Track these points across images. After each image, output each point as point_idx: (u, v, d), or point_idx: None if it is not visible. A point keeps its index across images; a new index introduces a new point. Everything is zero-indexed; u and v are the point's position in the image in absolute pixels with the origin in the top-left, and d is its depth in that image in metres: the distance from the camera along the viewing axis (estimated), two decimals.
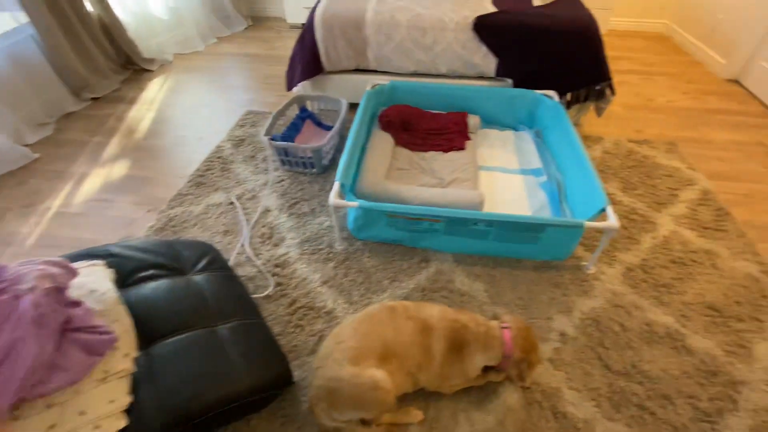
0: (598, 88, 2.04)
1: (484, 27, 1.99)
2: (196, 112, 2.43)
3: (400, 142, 1.99)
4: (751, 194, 1.85)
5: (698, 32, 3.08)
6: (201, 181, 1.88)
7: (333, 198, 1.39)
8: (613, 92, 2.06)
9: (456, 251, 1.55)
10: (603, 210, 1.37)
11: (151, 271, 1.15)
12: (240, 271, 1.47)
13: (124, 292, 1.07)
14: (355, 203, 1.38)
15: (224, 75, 2.85)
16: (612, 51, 3.17)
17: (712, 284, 1.44)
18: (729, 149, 2.13)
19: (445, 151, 1.96)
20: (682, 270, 1.49)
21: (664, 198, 1.80)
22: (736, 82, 2.76)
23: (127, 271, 1.13)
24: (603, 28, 3.19)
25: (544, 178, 1.85)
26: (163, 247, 1.25)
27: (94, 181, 1.93)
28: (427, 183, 1.78)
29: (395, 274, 1.46)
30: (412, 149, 1.98)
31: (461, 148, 1.95)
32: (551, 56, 2.00)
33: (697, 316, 1.34)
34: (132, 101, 2.56)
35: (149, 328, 1.00)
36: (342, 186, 1.46)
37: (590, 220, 1.38)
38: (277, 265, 1.49)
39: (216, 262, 1.28)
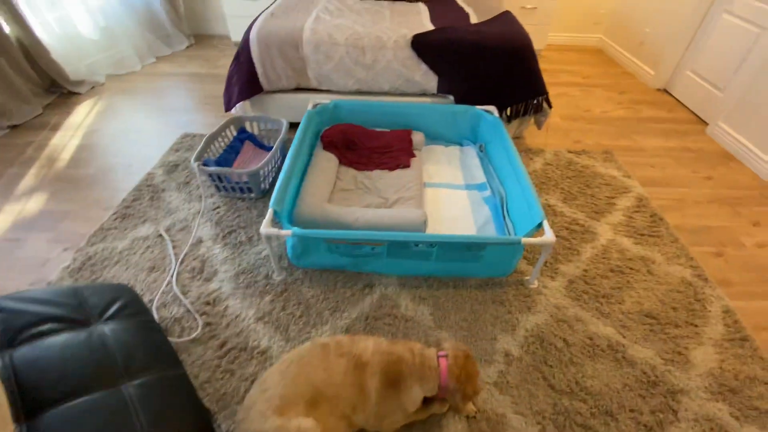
0: (535, 102, 2.09)
1: (421, 45, 2.00)
2: (127, 137, 2.27)
3: (344, 161, 1.94)
4: (682, 199, 1.94)
5: (629, 45, 3.28)
6: (127, 212, 1.73)
7: (264, 227, 1.31)
8: (550, 105, 2.12)
9: (400, 274, 1.50)
10: (540, 225, 1.37)
11: (47, 326, 1.01)
12: (165, 313, 1.35)
13: (8, 353, 0.92)
14: (289, 231, 1.30)
15: (161, 96, 2.70)
16: (551, 65, 3.31)
17: (649, 291, 1.47)
18: (660, 156, 2.24)
19: (391, 169, 1.92)
20: (620, 278, 1.51)
21: (602, 207, 1.84)
22: (665, 91, 2.94)
23: (17, 328, 0.98)
24: (541, 43, 3.34)
25: (487, 193, 1.86)
26: (67, 295, 1.11)
27: (4, 218, 1.74)
28: (372, 203, 1.73)
29: (337, 304, 1.39)
30: (357, 168, 1.93)
31: (407, 165, 1.92)
32: (488, 73, 2.03)
33: (636, 326, 1.35)
34: (55, 127, 2.36)
35: (37, 394, 0.87)
36: (275, 213, 1.37)
37: (528, 235, 1.37)
38: (207, 303, 1.38)
39: (130, 307, 1.15)
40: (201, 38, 3.67)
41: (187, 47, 3.48)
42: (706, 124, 2.54)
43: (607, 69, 3.27)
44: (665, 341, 1.31)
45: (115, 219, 1.70)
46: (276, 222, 1.37)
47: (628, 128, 2.48)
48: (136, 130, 2.33)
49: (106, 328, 1.05)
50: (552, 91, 2.88)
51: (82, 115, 2.48)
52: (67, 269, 1.48)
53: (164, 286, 1.43)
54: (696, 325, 1.36)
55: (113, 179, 1.95)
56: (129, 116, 2.47)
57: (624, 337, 1.32)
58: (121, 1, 3.00)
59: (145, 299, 1.39)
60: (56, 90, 2.70)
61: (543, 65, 3.28)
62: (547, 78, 3.06)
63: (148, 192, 1.85)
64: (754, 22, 2.23)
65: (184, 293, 1.41)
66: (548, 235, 1.31)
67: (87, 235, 1.63)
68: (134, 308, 1.16)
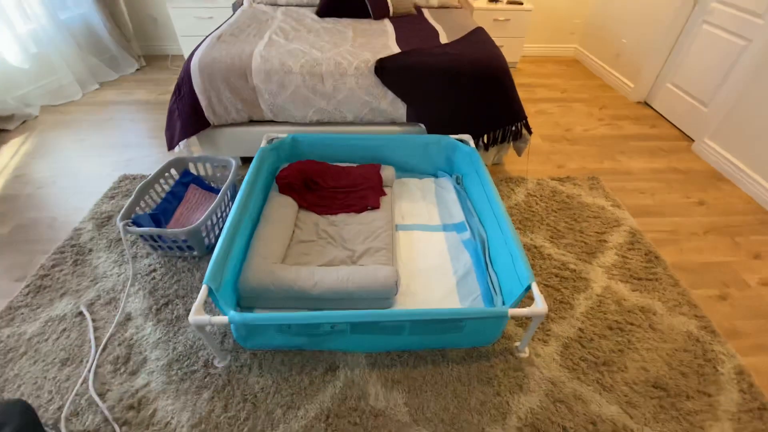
0: (513, 128, 1.91)
1: (385, 71, 1.79)
2: (56, 183, 1.97)
3: (304, 205, 1.71)
4: (676, 230, 1.78)
5: (605, 57, 3.16)
6: (43, 284, 1.45)
7: (194, 314, 1.06)
8: (529, 131, 1.94)
9: (368, 350, 1.28)
10: (529, 288, 1.17)
11: None
12: (77, 425, 1.08)
13: None
14: (224, 318, 1.06)
15: (101, 129, 2.41)
16: (527, 78, 3.16)
17: (653, 352, 1.29)
18: (648, 179, 2.09)
19: (358, 211, 1.70)
20: (620, 338, 1.32)
21: (593, 245, 1.66)
22: (646, 104, 2.82)
23: None
24: (516, 56, 3.19)
25: (467, 235, 1.65)
26: None
27: None
28: (335, 257, 1.50)
29: (292, 398, 1.15)
30: (319, 213, 1.70)
31: (375, 206, 1.70)
32: (461, 100, 1.83)
33: (643, 401, 1.16)
34: None
35: None
36: (211, 293, 1.13)
37: (515, 301, 1.17)
38: (130, 407, 1.12)
39: None
40: (152, 59, 3.38)
41: (137, 70, 3.19)
42: (691, 140, 2.41)
43: (585, 81, 3.14)
44: (678, 420, 1.12)
45: (28, 294, 1.41)
46: (209, 303, 1.13)
47: (612, 147, 2.34)
48: (68, 174, 2.04)
49: None
50: (530, 109, 2.72)
51: (6, 157, 2.17)
52: None
53: (78, 385, 1.16)
54: (709, 395, 1.18)
55: (32, 239, 1.66)
56: (61, 156, 2.17)
57: (631, 417, 1.12)
58: (56, 24, 2.69)
59: (54, 406, 1.12)
60: None
61: (519, 79, 3.13)
62: (523, 94, 2.91)
63: (72, 254, 1.57)
64: (737, 34, 2.11)
65: (103, 393, 1.15)
66: (539, 305, 1.10)
67: None
68: None
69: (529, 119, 2.58)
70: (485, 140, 1.97)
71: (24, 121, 2.50)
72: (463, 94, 1.81)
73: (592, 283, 1.50)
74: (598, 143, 2.37)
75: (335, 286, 1.30)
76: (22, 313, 1.36)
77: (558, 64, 3.45)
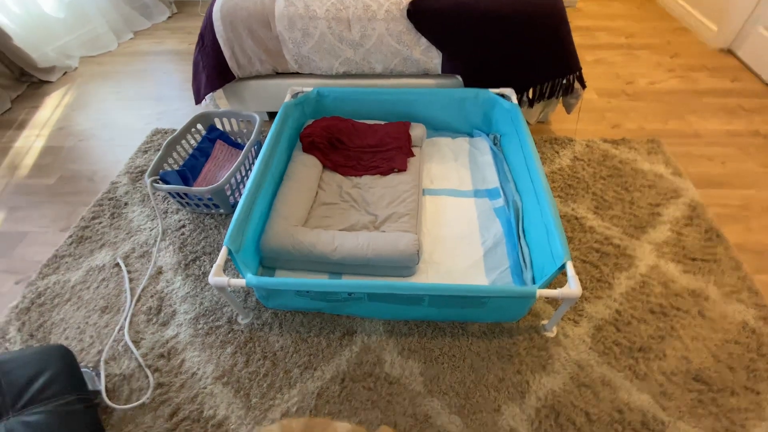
0: (564, 81, 1.68)
1: (420, 14, 1.59)
2: (95, 136, 2.03)
3: (329, 165, 1.65)
4: (747, 205, 1.55)
5: None
6: (84, 235, 1.54)
7: (214, 275, 1.07)
8: (583, 85, 1.70)
9: (387, 318, 1.26)
10: (563, 267, 1.06)
11: None
12: (114, 368, 1.17)
13: None
14: (242, 281, 1.07)
15: (136, 81, 2.42)
16: (587, 20, 2.76)
17: (699, 342, 1.17)
18: (720, 143, 1.81)
19: (384, 173, 1.62)
20: (662, 323, 1.21)
21: (644, 219, 1.49)
22: (730, 52, 2.39)
23: None
24: None
25: (500, 202, 1.54)
26: None
27: None
28: (357, 222, 1.45)
29: (309, 359, 1.17)
30: (343, 173, 1.64)
31: (402, 169, 1.61)
32: (505, 46, 1.62)
33: (680, 393, 1.07)
34: (22, 125, 2.15)
35: None
36: (231, 254, 1.13)
37: (546, 281, 1.08)
38: (161, 355, 1.19)
39: (54, 384, 0.96)
40: (184, 5, 3.29)
41: (169, 18, 3.12)
42: None
43: (658, 23, 2.70)
44: (717, 416, 1.03)
45: (71, 244, 1.51)
46: (228, 264, 1.13)
47: (681, 105, 2.03)
48: (106, 127, 2.09)
49: (16, 424, 0.87)
50: (586, 57, 2.39)
51: (50, 109, 2.25)
52: (15, 309, 1.32)
53: (116, 332, 1.25)
54: (758, 392, 1.07)
55: (75, 191, 1.75)
56: (100, 109, 2.22)
57: (664, 409, 1.05)
58: None
59: (94, 350, 1.21)
60: (26, 80, 2.46)
61: (577, 22, 2.74)
62: (580, 40, 2.55)
63: (109, 207, 1.63)
64: None
65: (138, 341, 1.23)
66: (572, 286, 1.01)
67: (40, 264, 1.46)
68: (59, 385, 0.97)
69: (583, 70, 2.28)
70: (530, 95, 1.76)
71: (65, 73, 2.56)
72: (509, 41, 1.60)
73: (638, 261, 1.36)
74: (665, 99, 2.07)
75: (355, 253, 1.26)
76: (67, 262, 1.45)
77: (627, 2, 2.97)
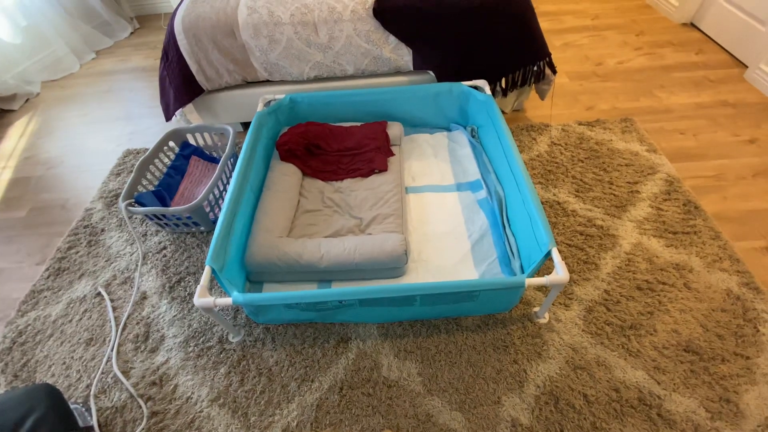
0: (535, 68, 1.70)
1: (386, 11, 1.58)
2: (64, 162, 1.97)
3: (308, 172, 1.63)
4: (721, 174, 1.59)
5: None
6: (62, 266, 1.49)
7: (199, 296, 1.05)
8: (553, 71, 1.72)
9: (380, 321, 1.25)
10: (549, 254, 1.07)
11: None
12: (105, 402, 1.14)
13: None
14: (229, 300, 1.04)
15: (102, 102, 2.35)
16: (551, 5, 2.79)
17: (687, 313, 1.19)
18: (691, 116, 1.85)
19: (364, 176, 1.61)
20: (650, 299, 1.23)
21: (623, 198, 1.52)
22: (693, 25, 2.44)
23: None
24: None
25: (483, 194, 1.54)
26: None
27: None
28: (343, 227, 1.44)
29: (306, 371, 1.15)
30: (324, 179, 1.62)
31: (383, 169, 1.60)
32: (473, 38, 1.62)
33: (673, 366, 1.10)
34: None
35: None
36: (214, 272, 1.10)
37: (533, 269, 1.08)
38: (153, 383, 1.16)
39: (43, 426, 0.93)
40: (145, 19, 3.20)
41: (131, 34, 3.04)
42: (745, 66, 2.09)
43: (620, 2, 2.74)
44: (710, 385, 1.06)
45: (48, 277, 1.45)
46: (213, 284, 1.11)
47: (650, 81, 2.06)
48: (75, 152, 2.02)
49: None
50: (555, 42, 2.42)
51: (14, 139, 2.16)
52: None
53: (104, 364, 1.21)
54: (747, 357, 1.10)
55: (48, 222, 1.68)
56: (67, 134, 2.15)
57: (659, 383, 1.06)
58: None
59: (83, 385, 1.17)
60: None
61: (542, 7, 2.76)
62: (547, 25, 2.58)
63: (86, 235, 1.58)
64: None
65: (127, 371, 1.19)
66: (559, 272, 1.01)
67: (18, 302, 1.40)
68: (48, 426, 0.94)
69: (553, 55, 2.30)
70: (503, 84, 1.77)
71: (27, 100, 2.47)
72: (475, 32, 1.60)
73: (621, 240, 1.39)
74: (634, 77, 2.10)
75: (342, 259, 1.25)
76: (45, 296, 1.40)
77: None
